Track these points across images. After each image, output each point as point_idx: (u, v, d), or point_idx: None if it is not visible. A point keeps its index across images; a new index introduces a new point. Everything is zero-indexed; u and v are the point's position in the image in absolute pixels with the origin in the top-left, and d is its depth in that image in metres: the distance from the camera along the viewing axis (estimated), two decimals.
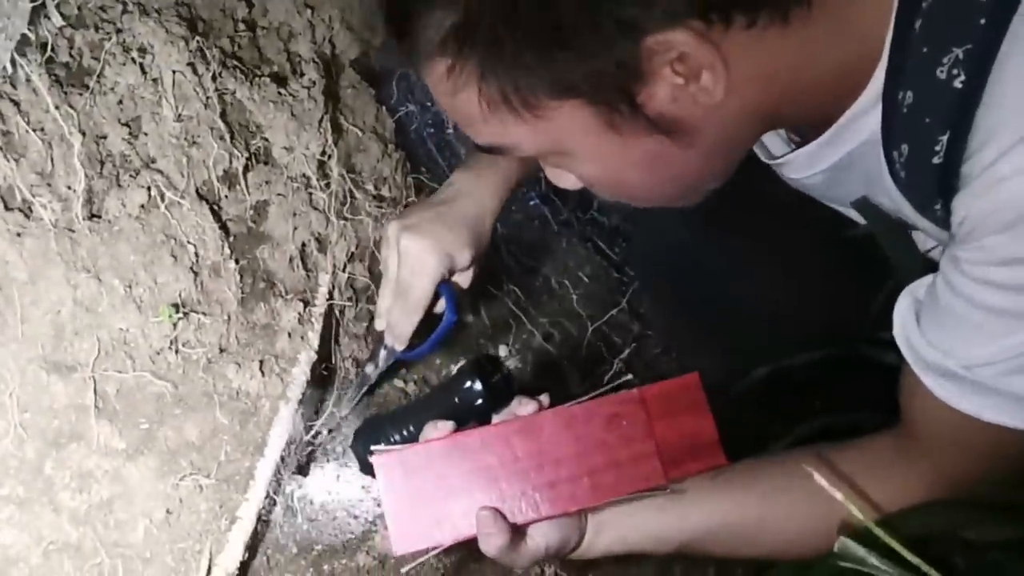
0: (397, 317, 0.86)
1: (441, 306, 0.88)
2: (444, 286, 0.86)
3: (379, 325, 0.90)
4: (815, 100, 0.60)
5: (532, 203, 1.40)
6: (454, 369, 1.07)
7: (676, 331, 0.94)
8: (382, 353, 0.92)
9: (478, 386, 0.83)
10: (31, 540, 0.71)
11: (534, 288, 1.24)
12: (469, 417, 0.75)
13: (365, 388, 0.95)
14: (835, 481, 0.62)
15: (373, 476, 0.92)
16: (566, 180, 0.67)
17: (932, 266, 0.74)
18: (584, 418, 0.65)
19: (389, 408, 0.99)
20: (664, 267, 0.90)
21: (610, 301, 1.25)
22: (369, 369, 0.94)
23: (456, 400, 0.83)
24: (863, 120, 0.60)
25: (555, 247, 1.32)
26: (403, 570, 0.66)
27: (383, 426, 0.91)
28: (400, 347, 0.89)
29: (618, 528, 0.70)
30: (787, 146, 0.74)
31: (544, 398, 0.66)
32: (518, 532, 0.64)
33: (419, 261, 0.84)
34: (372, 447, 0.65)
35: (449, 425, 0.65)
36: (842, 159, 0.65)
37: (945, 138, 0.52)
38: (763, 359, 0.79)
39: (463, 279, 0.89)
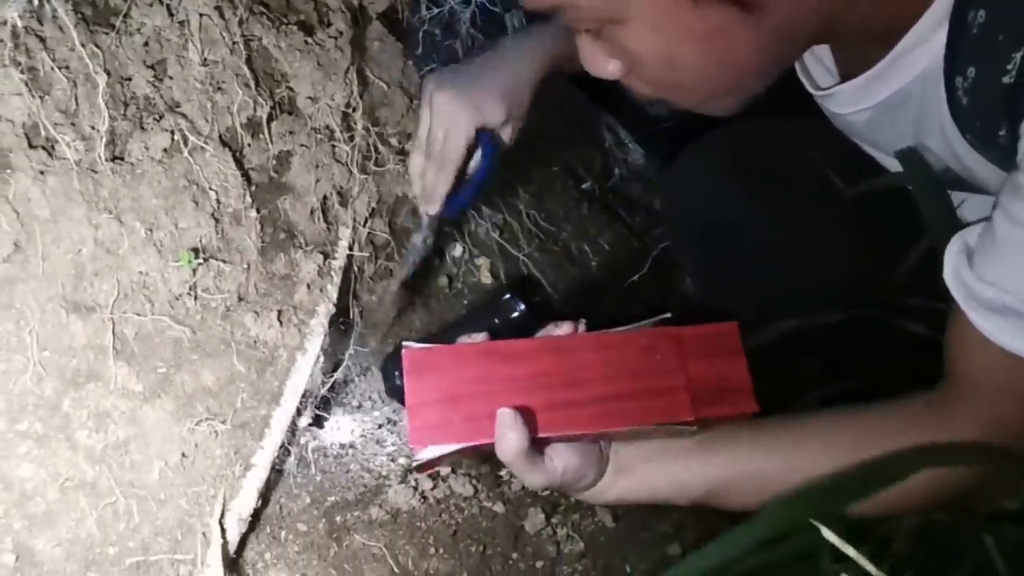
0: (431, 178, 0.86)
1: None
2: (483, 134, 0.84)
3: (416, 190, 0.89)
4: (881, 8, 0.58)
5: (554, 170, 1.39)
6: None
7: (705, 283, 0.93)
8: (424, 221, 0.92)
9: (520, 306, 0.81)
10: (48, 476, 0.72)
11: (554, 253, 1.23)
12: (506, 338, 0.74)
13: (416, 260, 0.95)
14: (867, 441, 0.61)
15: (400, 400, 0.92)
16: (603, 65, 0.65)
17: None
18: (618, 345, 0.64)
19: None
20: (696, 217, 0.88)
21: (630, 269, 1.24)
22: (417, 239, 0.94)
23: (496, 320, 0.82)
24: (921, 49, 0.59)
25: (575, 214, 1.31)
26: (414, 466, 0.63)
27: None
28: (434, 210, 0.88)
29: (638, 472, 0.68)
30: (833, 79, 0.73)
31: (581, 324, 0.65)
32: (537, 447, 0.63)
33: (450, 115, 0.83)
34: (404, 341, 0.64)
35: (482, 336, 0.64)
36: (892, 96, 0.64)
37: (1019, 55, 0.50)
38: (788, 316, 0.77)
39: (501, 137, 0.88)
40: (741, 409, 0.65)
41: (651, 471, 0.68)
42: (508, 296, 0.82)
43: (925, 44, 0.60)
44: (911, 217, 0.72)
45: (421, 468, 0.63)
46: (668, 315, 0.66)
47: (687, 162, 0.88)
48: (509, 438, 0.60)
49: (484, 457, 0.67)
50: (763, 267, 0.83)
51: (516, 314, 0.83)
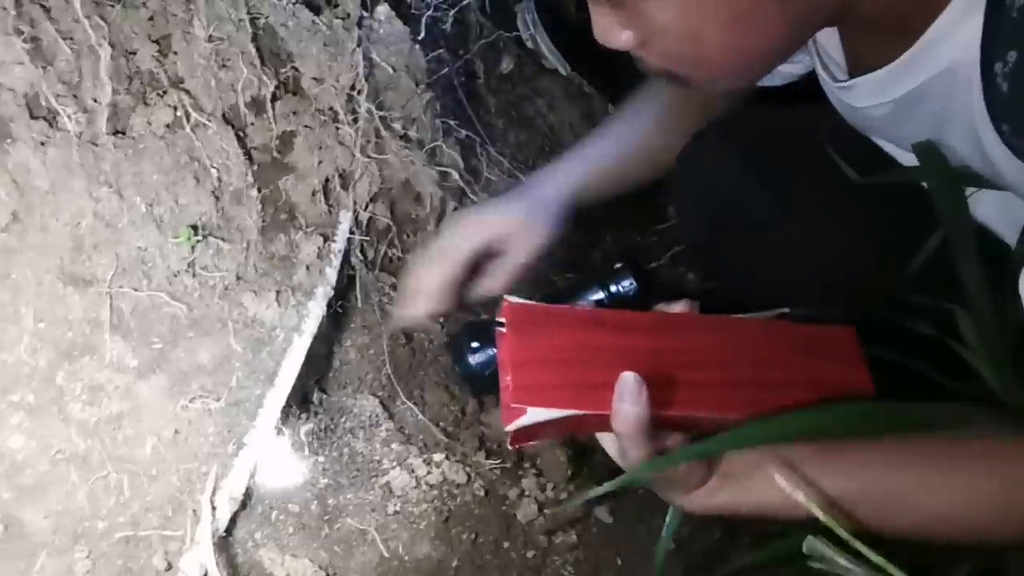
0: (416, 277, 0.83)
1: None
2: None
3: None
4: None
5: None
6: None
7: (711, 271, 0.91)
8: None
9: (631, 281, 0.76)
10: (39, 448, 0.72)
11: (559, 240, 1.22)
12: None
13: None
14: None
15: (472, 383, 0.86)
16: (617, 35, 0.63)
17: (982, 228, 0.72)
18: (736, 331, 0.59)
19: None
20: (706, 203, 0.87)
21: (638, 262, 1.24)
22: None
23: (602, 295, 0.77)
24: (947, 43, 0.57)
25: None
26: (509, 435, 0.55)
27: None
28: (401, 311, 0.84)
29: (750, 478, 0.60)
30: (842, 74, 0.72)
31: (695, 305, 0.61)
32: (655, 426, 0.56)
33: (456, 222, 0.84)
34: (506, 295, 0.57)
35: (588, 304, 0.61)
36: (913, 91, 0.62)
37: None
38: (794, 307, 0.76)
39: (507, 265, 0.84)
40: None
41: (764, 478, 0.59)
42: (620, 266, 0.77)
43: (951, 37, 0.58)
44: (922, 213, 0.72)
45: (516, 439, 0.56)
46: (786, 310, 0.63)
47: (699, 148, 0.87)
48: (628, 408, 0.54)
49: (583, 433, 0.62)
50: (771, 256, 0.82)
51: (627, 286, 0.77)
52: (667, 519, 0.64)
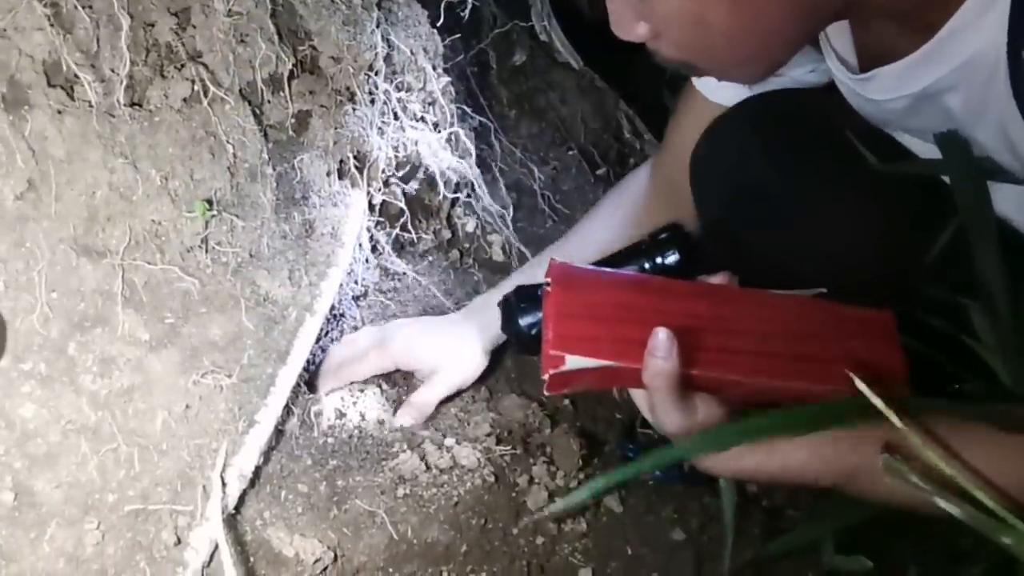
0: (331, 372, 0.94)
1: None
2: None
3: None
4: None
5: None
6: None
7: (728, 258, 0.92)
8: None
9: (675, 255, 0.77)
10: (50, 417, 0.71)
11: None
12: None
13: None
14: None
15: (519, 344, 0.88)
16: (632, 27, 0.65)
17: (1000, 221, 0.72)
18: (774, 305, 0.62)
19: None
20: (723, 182, 0.87)
21: None
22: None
23: (647, 266, 0.78)
24: (969, 34, 0.57)
25: (591, 197, 1.30)
26: (547, 382, 0.58)
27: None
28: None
29: (777, 444, 0.60)
30: (852, 71, 0.72)
31: (735, 278, 0.63)
32: (684, 386, 0.58)
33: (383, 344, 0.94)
34: (552, 256, 0.60)
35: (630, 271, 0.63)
36: (936, 83, 0.63)
37: None
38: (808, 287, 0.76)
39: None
40: (895, 395, 0.60)
41: (793, 445, 0.60)
42: (665, 236, 0.78)
43: (973, 28, 0.58)
44: (939, 203, 0.71)
45: (553, 386, 0.59)
46: (824, 291, 0.64)
47: (718, 133, 0.87)
48: (659, 363, 0.56)
49: (616, 386, 0.66)
50: (788, 242, 0.82)
51: (670, 256, 0.78)
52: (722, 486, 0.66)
